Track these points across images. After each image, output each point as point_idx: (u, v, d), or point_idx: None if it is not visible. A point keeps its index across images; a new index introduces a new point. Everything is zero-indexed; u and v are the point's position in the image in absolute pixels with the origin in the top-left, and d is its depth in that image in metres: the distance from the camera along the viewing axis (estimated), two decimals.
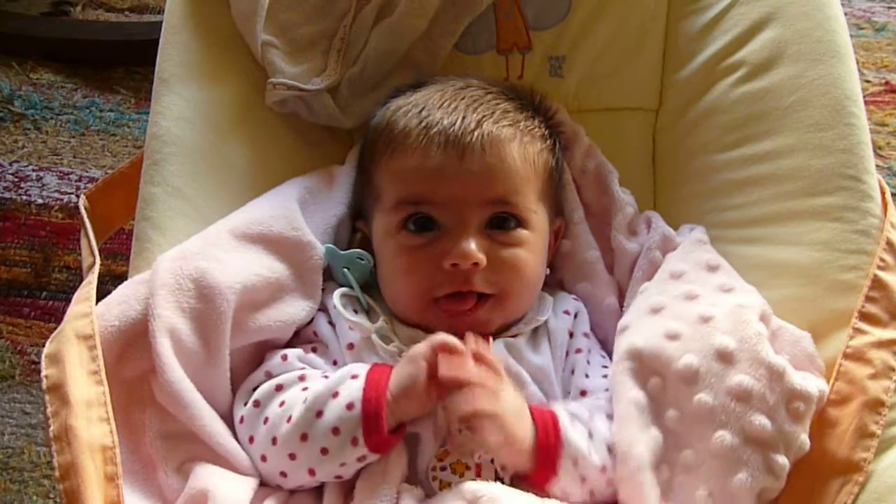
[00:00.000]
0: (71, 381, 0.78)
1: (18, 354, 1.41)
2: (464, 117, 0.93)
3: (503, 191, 0.93)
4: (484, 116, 0.94)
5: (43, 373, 0.80)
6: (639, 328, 0.90)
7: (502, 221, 0.93)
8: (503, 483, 0.84)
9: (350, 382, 0.83)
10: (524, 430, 0.82)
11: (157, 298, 0.85)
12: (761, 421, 0.80)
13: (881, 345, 0.86)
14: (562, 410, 0.86)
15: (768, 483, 0.80)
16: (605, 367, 0.96)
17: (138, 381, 0.85)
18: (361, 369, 0.84)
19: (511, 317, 0.95)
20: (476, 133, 0.92)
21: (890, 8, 1.81)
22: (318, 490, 0.86)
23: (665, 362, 0.85)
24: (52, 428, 0.76)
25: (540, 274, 0.97)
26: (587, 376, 0.94)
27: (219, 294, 0.86)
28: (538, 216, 0.96)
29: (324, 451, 0.81)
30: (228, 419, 0.87)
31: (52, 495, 1.28)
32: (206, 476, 0.80)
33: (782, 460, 0.80)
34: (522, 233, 0.94)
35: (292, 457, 0.83)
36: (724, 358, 0.83)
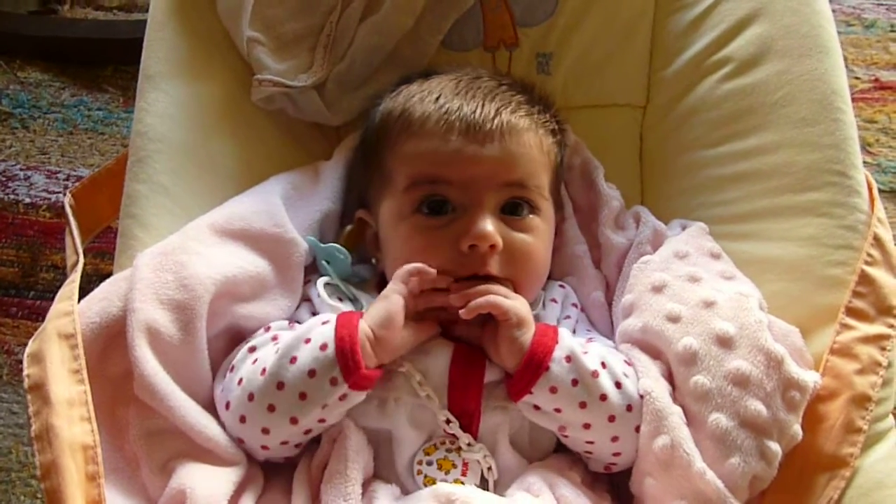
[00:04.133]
0: (52, 380, 0.78)
1: (6, 354, 1.40)
2: (482, 105, 0.93)
3: (520, 174, 0.93)
4: (502, 106, 0.94)
5: (25, 372, 0.80)
6: (642, 310, 0.90)
7: (515, 207, 0.93)
8: (488, 484, 0.85)
9: (320, 327, 0.83)
10: (529, 324, 0.86)
11: (135, 293, 0.84)
12: (757, 407, 0.81)
13: (868, 340, 0.86)
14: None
15: (760, 469, 0.80)
16: (589, 331, 0.97)
17: (122, 379, 0.84)
18: (330, 316, 0.85)
19: None
20: (496, 121, 0.92)
21: (879, 5, 1.82)
22: (289, 489, 0.85)
23: (665, 343, 0.86)
24: (33, 427, 0.76)
25: (547, 265, 0.97)
26: None
27: (199, 283, 0.86)
28: (548, 206, 0.97)
29: (302, 395, 0.80)
30: (211, 409, 0.86)
31: (39, 496, 1.27)
32: (186, 475, 0.80)
33: (775, 447, 0.81)
34: (534, 220, 0.94)
35: (271, 408, 0.81)
36: (724, 343, 0.84)
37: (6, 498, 1.27)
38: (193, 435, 0.82)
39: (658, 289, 0.91)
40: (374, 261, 1.00)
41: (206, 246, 0.90)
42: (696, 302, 0.88)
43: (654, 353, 0.88)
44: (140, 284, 0.85)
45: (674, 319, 0.87)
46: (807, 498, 0.81)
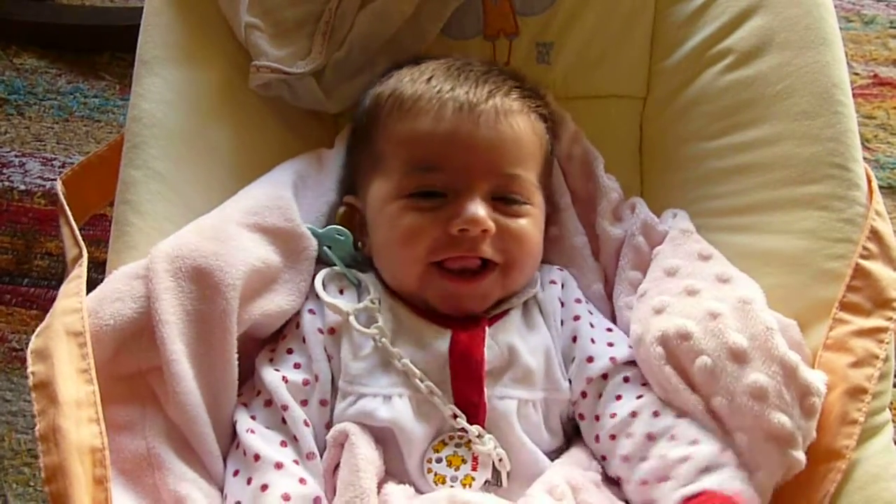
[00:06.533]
0: (60, 380, 0.75)
1: None
2: (476, 86, 0.92)
3: (513, 162, 0.92)
4: (495, 88, 0.93)
5: (30, 369, 0.77)
6: (653, 335, 0.87)
7: (506, 193, 0.92)
8: (500, 476, 0.84)
9: None
10: None
11: (162, 303, 0.81)
12: (780, 419, 0.79)
13: (863, 333, 0.85)
14: None
15: (782, 478, 0.80)
16: (609, 329, 0.95)
17: (136, 378, 0.82)
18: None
19: (510, 290, 0.94)
20: (490, 102, 0.91)
21: (879, 1, 1.81)
22: None
23: (686, 361, 0.85)
24: (38, 427, 0.73)
25: (540, 248, 0.97)
26: (593, 342, 0.92)
27: (222, 298, 0.84)
28: (539, 193, 0.96)
29: None
30: (230, 420, 0.86)
31: (32, 483, 1.27)
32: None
33: (800, 456, 0.79)
34: (525, 206, 0.94)
35: None
36: (738, 357, 0.82)
37: None
38: (207, 464, 0.82)
39: (659, 311, 0.89)
40: (359, 245, 0.98)
41: (221, 244, 0.87)
42: (701, 316, 0.86)
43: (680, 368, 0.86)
44: (166, 294, 0.82)
45: (685, 337, 0.85)
46: (804, 491, 0.80)
